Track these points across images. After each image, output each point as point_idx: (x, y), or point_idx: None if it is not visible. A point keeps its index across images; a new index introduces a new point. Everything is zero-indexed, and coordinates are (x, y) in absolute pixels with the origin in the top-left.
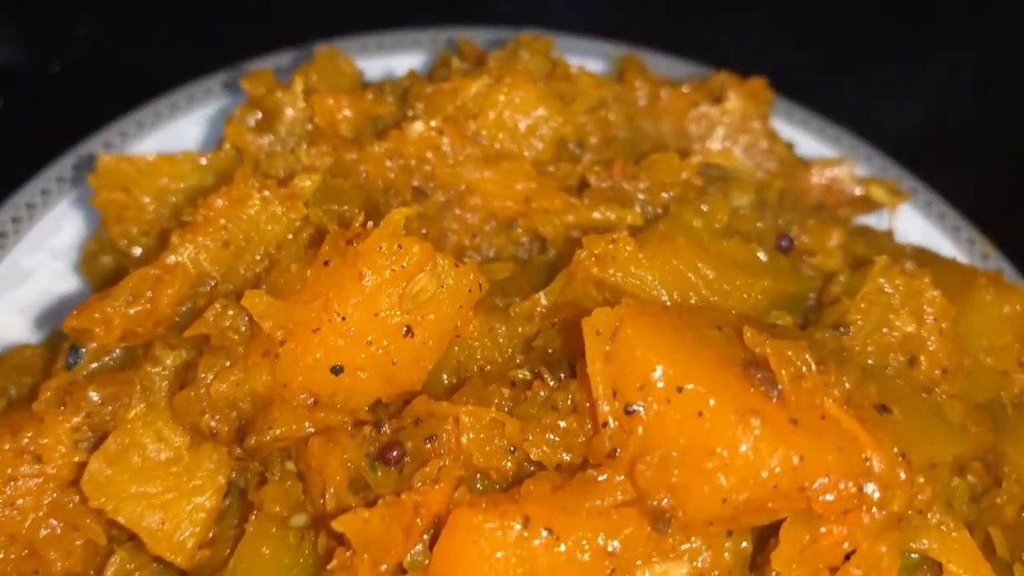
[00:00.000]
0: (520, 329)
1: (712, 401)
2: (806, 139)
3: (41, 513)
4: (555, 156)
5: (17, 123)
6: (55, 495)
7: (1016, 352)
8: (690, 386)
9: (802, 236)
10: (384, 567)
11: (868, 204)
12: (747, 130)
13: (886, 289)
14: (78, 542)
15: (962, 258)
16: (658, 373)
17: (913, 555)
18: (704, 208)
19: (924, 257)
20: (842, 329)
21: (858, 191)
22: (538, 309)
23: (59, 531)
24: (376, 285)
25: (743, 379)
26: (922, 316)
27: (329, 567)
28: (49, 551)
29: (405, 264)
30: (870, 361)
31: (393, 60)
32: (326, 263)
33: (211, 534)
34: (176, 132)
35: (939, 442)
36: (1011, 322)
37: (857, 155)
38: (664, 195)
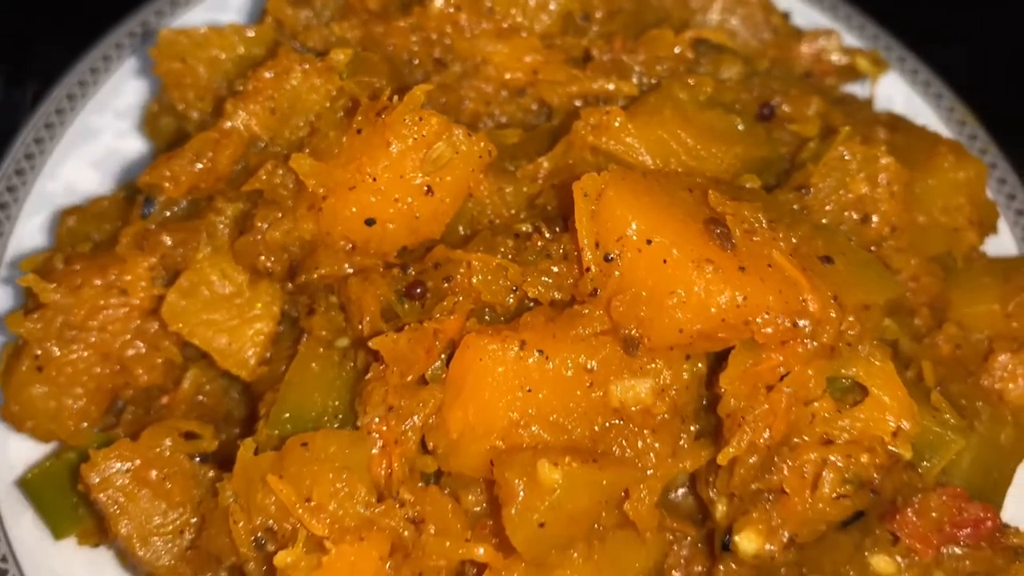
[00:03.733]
0: (525, 189)
1: (675, 251)
2: (803, 7)
3: (128, 337)
4: (562, 30)
5: None
6: (138, 322)
7: (967, 212)
8: (657, 239)
9: (784, 105)
10: (409, 378)
11: (853, 73)
12: (745, 3)
13: (845, 156)
14: (159, 360)
15: (940, 126)
16: (632, 228)
17: (844, 381)
18: (691, 82)
19: (896, 124)
20: (803, 190)
21: (844, 61)
22: (541, 172)
23: (143, 351)
24: (401, 152)
25: (703, 234)
26: (876, 180)
27: (367, 377)
28: (136, 367)
29: (425, 134)
30: (825, 220)
31: None
32: (359, 131)
33: (269, 354)
34: None
35: (873, 288)
36: (965, 186)
37: (851, 24)
38: (658, 67)
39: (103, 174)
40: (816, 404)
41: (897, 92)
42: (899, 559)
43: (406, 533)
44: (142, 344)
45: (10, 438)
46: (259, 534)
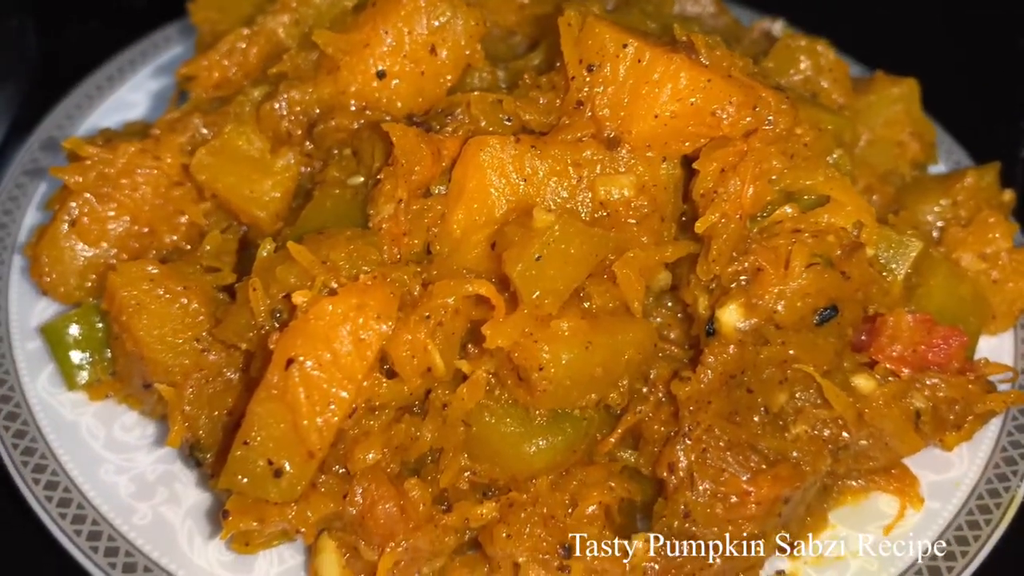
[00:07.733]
0: (516, 77)
1: (647, 53)
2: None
3: (158, 201)
4: None
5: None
6: (166, 189)
7: (906, 124)
8: (633, 43)
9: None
10: (415, 177)
11: None
12: (698, 3)
13: (791, 45)
14: (183, 220)
15: None
16: (609, 39)
17: (808, 197)
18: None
19: None
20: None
21: None
22: (531, 64)
23: (170, 213)
24: (409, 11)
25: (673, 47)
26: (819, 65)
27: (379, 176)
28: (162, 227)
29: None
30: None
31: None
32: (374, 4)
33: (285, 218)
34: None
35: (822, 113)
36: (901, 100)
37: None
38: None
39: None
40: (783, 210)
41: None
42: (878, 377)
43: (416, 291)
44: (170, 207)
45: (36, 303)
46: (277, 307)
